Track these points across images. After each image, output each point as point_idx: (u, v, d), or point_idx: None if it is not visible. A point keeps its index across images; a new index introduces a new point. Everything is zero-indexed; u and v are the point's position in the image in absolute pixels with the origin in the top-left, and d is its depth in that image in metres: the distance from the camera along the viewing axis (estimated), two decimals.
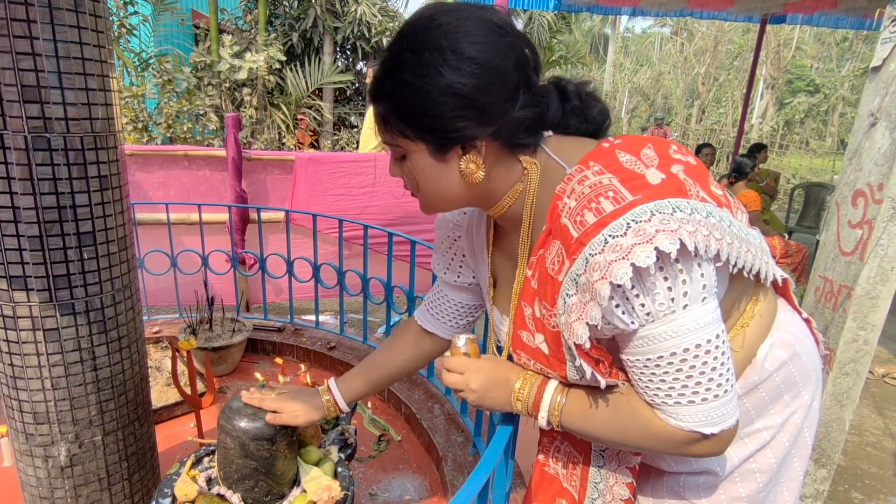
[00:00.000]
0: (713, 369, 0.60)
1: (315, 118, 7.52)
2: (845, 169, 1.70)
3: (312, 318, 2.29)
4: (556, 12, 10.97)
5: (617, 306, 0.59)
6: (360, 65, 8.44)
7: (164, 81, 6.19)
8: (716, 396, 0.61)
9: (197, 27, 8.24)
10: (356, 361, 2.04)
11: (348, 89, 8.58)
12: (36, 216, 0.93)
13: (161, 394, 1.76)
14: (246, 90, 6.49)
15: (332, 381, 1.04)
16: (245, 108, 6.56)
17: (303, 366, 2.03)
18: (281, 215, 3.11)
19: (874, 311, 1.61)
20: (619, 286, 0.57)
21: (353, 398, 1.04)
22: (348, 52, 8.40)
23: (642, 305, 0.58)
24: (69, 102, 0.93)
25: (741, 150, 6.84)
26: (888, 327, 4.27)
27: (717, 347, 0.60)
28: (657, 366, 0.61)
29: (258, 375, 1.87)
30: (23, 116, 0.89)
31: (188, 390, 1.46)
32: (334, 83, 7.51)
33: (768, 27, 11.82)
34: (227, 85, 6.42)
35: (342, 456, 1.20)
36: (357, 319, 3.51)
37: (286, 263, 2.10)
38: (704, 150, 6.08)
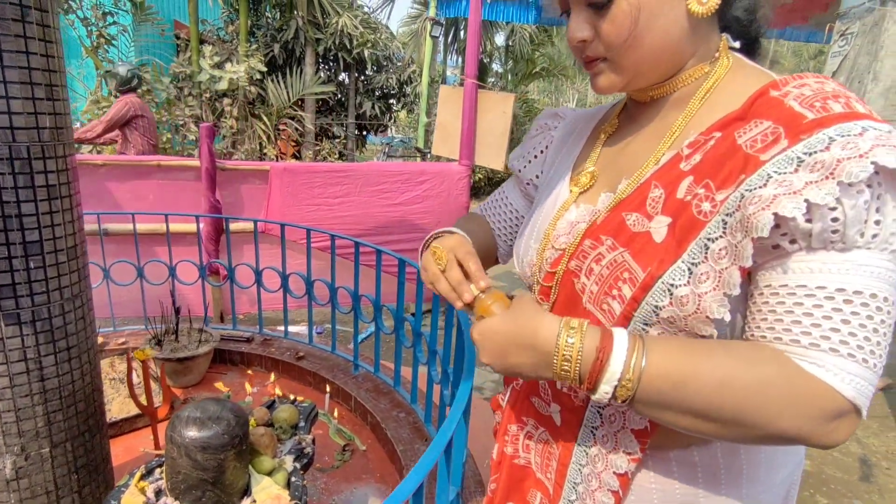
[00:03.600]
0: (889, 338, 0.51)
1: (297, 129, 7.52)
2: None
3: (292, 328, 2.28)
4: (536, 25, 11.13)
5: (865, 202, 0.49)
6: (342, 76, 8.48)
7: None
8: (879, 369, 0.50)
9: (178, 38, 8.22)
10: (325, 371, 2.03)
11: (330, 100, 8.61)
12: None
13: (123, 405, 1.74)
14: (227, 100, 6.49)
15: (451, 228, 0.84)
16: (226, 118, 6.56)
17: (272, 375, 2.02)
18: (251, 226, 3.10)
19: None
20: (877, 172, 0.48)
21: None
22: (330, 63, 8.44)
23: (877, 223, 0.49)
24: (14, 112, 0.93)
25: None
26: None
27: (890, 314, 0.50)
28: (847, 301, 0.49)
29: (220, 386, 1.86)
30: None
31: (152, 401, 1.44)
32: (316, 94, 7.54)
33: None
34: (208, 95, 6.41)
35: (297, 466, 1.19)
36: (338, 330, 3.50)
37: (255, 273, 2.09)
38: None
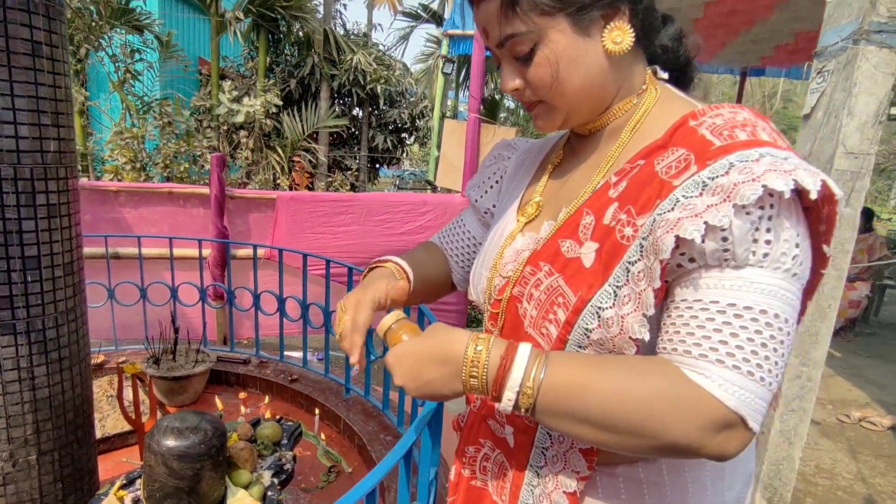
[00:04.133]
0: (782, 356, 0.52)
1: (310, 161, 7.72)
2: None
3: (293, 353, 2.33)
4: None
5: (751, 223, 0.51)
6: (355, 110, 8.73)
7: (164, 124, 6.41)
8: (769, 385, 0.51)
9: (201, 73, 8.58)
10: (318, 394, 2.06)
11: (344, 133, 8.85)
12: None
13: (118, 421, 1.78)
14: (243, 133, 6.71)
15: (388, 257, 0.87)
16: (242, 149, 6.76)
17: (267, 398, 2.05)
18: (261, 252, 3.19)
19: (815, 347, 1.65)
20: (771, 196, 0.51)
21: (414, 276, 0.85)
22: (345, 98, 8.71)
23: (767, 242, 0.52)
24: (21, 136, 1.01)
25: None
26: (868, 371, 4.27)
27: (790, 335, 0.53)
28: (737, 315, 0.51)
29: (217, 401, 1.90)
30: None
31: (139, 414, 1.48)
32: (330, 127, 7.76)
33: (753, 80, 12.21)
34: (226, 128, 6.64)
35: (275, 481, 1.22)
36: (336, 358, 3.53)
37: (252, 297, 2.15)
38: None
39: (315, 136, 8.09)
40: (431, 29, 12.17)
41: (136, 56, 6.54)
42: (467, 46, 6.10)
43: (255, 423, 1.43)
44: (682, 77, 0.74)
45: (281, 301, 2.13)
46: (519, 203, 0.81)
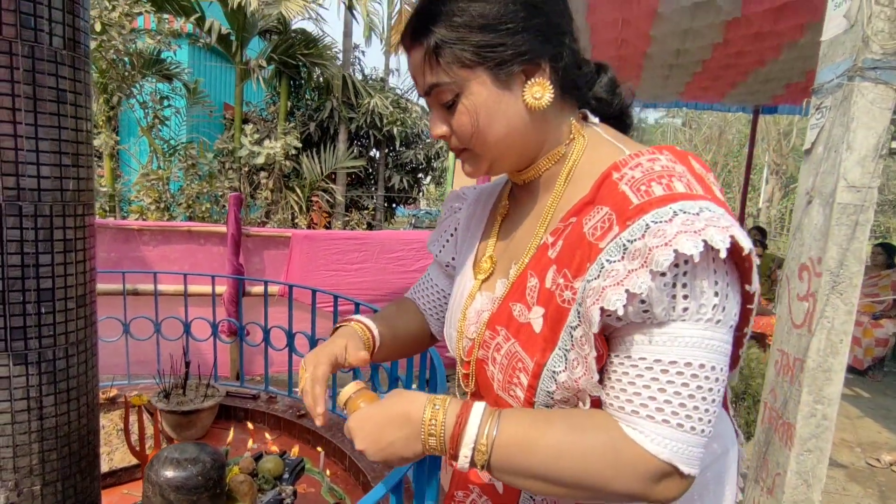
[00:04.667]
0: (712, 401, 0.55)
1: (328, 200, 7.89)
2: (791, 244, 1.77)
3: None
4: None
5: (665, 284, 0.53)
6: (372, 151, 8.96)
7: (188, 166, 6.66)
8: (701, 431, 0.55)
9: (225, 118, 8.93)
10: (325, 430, 2.06)
11: (361, 173, 9.05)
12: (1, 273, 1.05)
13: (126, 455, 1.80)
14: (263, 174, 6.92)
15: (356, 317, 0.88)
16: (262, 190, 6.96)
17: (269, 434, 2.05)
18: (274, 289, 3.24)
19: (828, 384, 1.61)
20: (685, 260, 0.52)
21: (382, 339, 0.86)
22: (362, 140, 8.96)
23: (685, 297, 0.54)
24: (43, 176, 1.08)
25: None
26: None
27: (719, 380, 0.55)
28: (664, 371, 0.54)
29: (231, 433, 1.90)
30: (0, 187, 1.04)
31: (144, 446, 1.50)
32: (347, 168, 7.96)
33: (768, 117, 12.25)
34: (247, 169, 6.86)
35: None
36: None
37: (263, 332, 2.19)
38: None
39: (333, 176, 8.30)
40: None
41: (165, 103, 6.87)
42: None
43: (258, 458, 1.44)
44: (619, 124, 0.76)
45: (290, 336, 2.15)
46: (474, 258, 0.82)
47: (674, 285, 0.54)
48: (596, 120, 0.72)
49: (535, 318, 0.64)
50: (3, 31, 1.01)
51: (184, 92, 7.47)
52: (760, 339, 4.40)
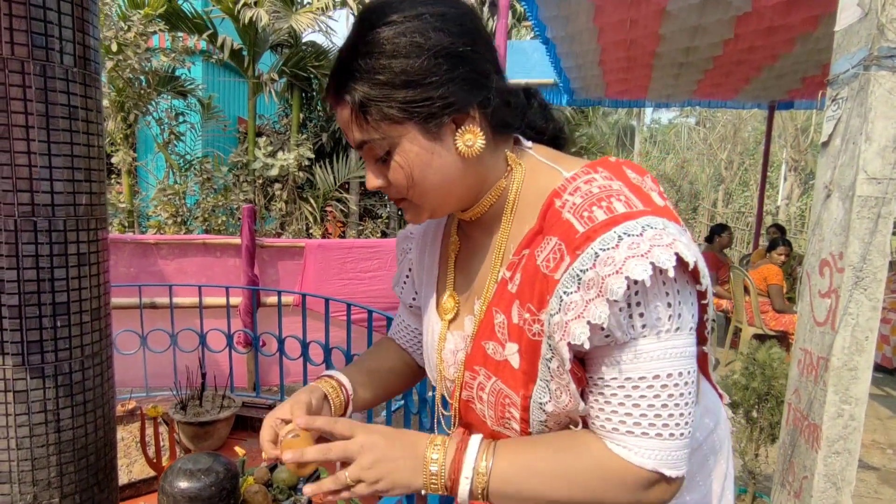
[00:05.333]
0: (686, 405, 0.58)
1: (342, 210, 7.94)
2: (811, 240, 1.73)
3: None
4: (572, 107, 11.57)
5: (621, 309, 0.55)
6: None
7: (203, 180, 6.75)
8: (681, 435, 0.58)
9: (239, 131, 9.06)
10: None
11: None
12: (17, 288, 1.07)
13: (145, 467, 1.81)
14: (277, 185, 6.99)
15: (332, 372, 0.87)
16: (276, 201, 7.03)
17: None
18: (288, 299, 3.26)
19: (854, 383, 1.56)
20: (635, 282, 0.54)
21: (353, 380, 0.86)
22: None
23: (641, 315, 0.56)
24: (56, 191, 1.09)
25: (762, 231, 6.80)
26: None
27: (688, 384, 0.58)
28: (635, 387, 0.57)
29: (239, 450, 1.91)
30: (15, 203, 1.05)
31: (160, 456, 1.51)
32: (360, 177, 8.00)
33: (785, 113, 12.04)
34: (261, 181, 6.93)
35: None
36: None
37: (277, 342, 2.19)
38: (725, 234, 5.94)
39: (346, 186, 8.35)
40: None
41: (180, 119, 6.99)
42: None
43: (273, 468, 1.44)
44: (555, 142, 0.76)
45: (304, 346, 2.16)
46: (436, 298, 0.81)
47: (629, 306, 0.56)
48: (529, 144, 0.72)
49: (511, 354, 0.65)
50: (15, 51, 1.03)
51: (198, 107, 7.60)
52: (783, 338, 4.30)
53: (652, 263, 0.53)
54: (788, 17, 3.42)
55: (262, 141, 6.84)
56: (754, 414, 2.36)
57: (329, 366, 2.13)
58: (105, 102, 6.20)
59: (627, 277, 0.53)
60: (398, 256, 0.94)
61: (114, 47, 5.58)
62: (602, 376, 0.59)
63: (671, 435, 0.57)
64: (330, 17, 7.44)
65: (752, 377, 2.32)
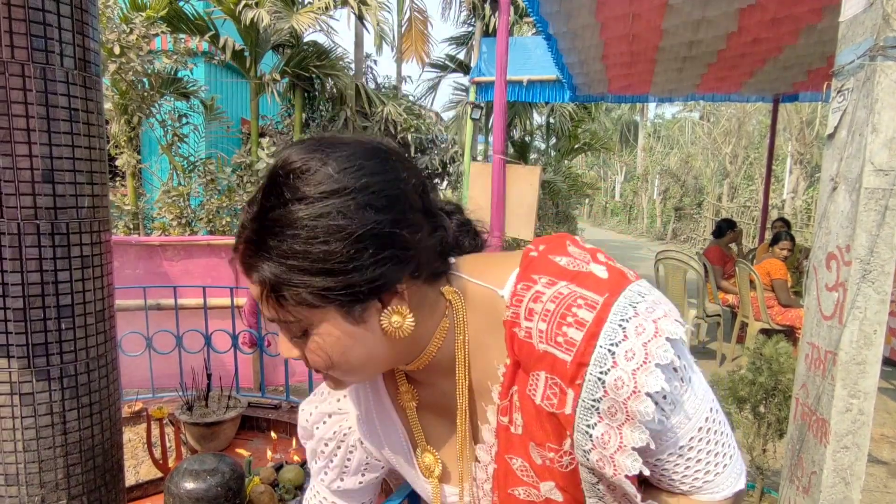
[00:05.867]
0: (727, 427, 0.60)
1: None
2: (817, 233, 1.71)
3: None
4: (575, 103, 11.52)
5: (655, 418, 0.54)
6: None
7: (207, 181, 6.77)
8: (734, 448, 0.61)
9: (241, 132, 9.08)
10: None
11: None
12: (22, 291, 1.07)
13: (152, 468, 1.82)
14: None
15: None
16: None
17: (294, 442, 2.05)
18: None
19: (863, 377, 1.54)
20: (657, 392, 0.53)
21: None
22: None
23: (664, 398, 0.55)
24: (58, 195, 1.10)
25: (768, 225, 6.75)
26: None
27: (719, 410, 0.60)
28: (690, 448, 0.57)
29: (242, 451, 1.91)
30: (17, 206, 1.06)
31: (166, 457, 1.51)
32: None
33: (790, 106, 11.97)
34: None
35: None
36: None
37: None
38: (734, 230, 5.85)
39: None
40: (459, 77, 12.58)
41: (184, 120, 7.01)
42: (493, 92, 6.26)
43: (279, 468, 1.44)
44: (482, 247, 0.72)
45: None
46: (412, 456, 0.74)
47: (657, 404, 0.55)
48: (452, 261, 0.66)
49: (550, 491, 0.62)
50: (15, 54, 1.03)
51: (201, 109, 7.61)
52: (789, 333, 4.28)
53: (657, 365, 0.52)
54: (793, 8, 3.39)
55: (265, 141, 6.85)
56: (762, 409, 2.34)
57: None
58: (108, 105, 6.22)
59: (648, 394, 0.52)
60: (326, 441, 0.79)
61: (116, 50, 5.59)
62: (660, 457, 0.58)
63: (731, 457, 0.60)
64: (331, 17, 7.44)
65: (759, 372, 2.31)
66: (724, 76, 5.29)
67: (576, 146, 12.99)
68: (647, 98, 6.51)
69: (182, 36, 6.92)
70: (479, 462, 0.68)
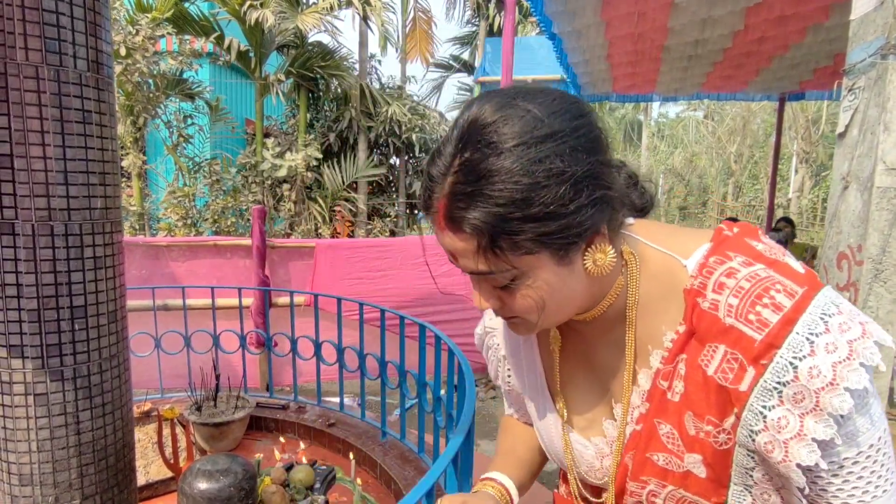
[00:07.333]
0: (892, 459, 0.57)
1: (350, 210, 7.96)
2: (827, 233, 1.70)
3: (332, 399, 2.35)
4: None
5: (853, 415, 0.53)
6: (392, 159, 9.01)
7: (212, 181, 6.79)
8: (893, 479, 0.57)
9: (246, 132, 9.11)
10: (354, 438, 2.05)
11: (382, 182, 9.11)
12: (36, 292, 1.08)
13: (163, 468, 1.82)
14: (286, 186, 7.02)
15: (493, 473, 0.84)
16: (285, 202, 7.05)
17: (302, 444, 2.06)
18: (300, 299, 3.27)
19: (877, 377, 1.53)
20: (857, 391, 0.51)
21: (513, 478, 0.83)
22: (381, 148, 9.02)
23: (860, 399, 0.53)
24: (72, 196, 1.10)
25: (773, 225, 6.73)
26: None
27: (889, 439, 0.57)
28: (855, 462, 0.55)
29: (255, 452, 1.92)
30: (32, 208, 1.06)
31: (178, 458, 1.52)
32: (368, 177, 8.02)
33: (796, 105, 11.91)
34: (269, 182, 6.96)
35: None
36: (375, 402, 3.53)
37: (290, 342, 2.20)
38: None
39: (354, 185, 8.37)
40: (463, 77, 12.58)
41: (189, 121, 7.04)
42: None
43: (289, 468, 1.44)
44: (645, 210, 0.72)
45: (317, 345, 2.16)
46: (549, 399, 0.76)
47: (852, 420, 0.54)
48: (631, 221, 0.66)
49: (693, 464, 0.61)
50: (29, 57, 1.04)
51: (206, 110, 7.64)
52: None
53: (862, 364, 0.50)
54: (800, 6, 3.37)
55: (269, 142, 6.88)
56: None
57: (342, 366, 2.13)
58: None
59: (847, 389, 0.50)
60: (483, 353, 0.87)
61: (122, 51, 5.62)
62: (820, 473, 0.56)
63: (893, 484, 0.56)
64: (335, 17, 7.45)
65: None
66: (730, 75, 5.27)
67: None
68: (651, 97, 6.50)
69: (187, 37, 6.94)
70: (614, 420, 0.69)
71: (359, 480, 1.84)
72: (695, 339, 0.58)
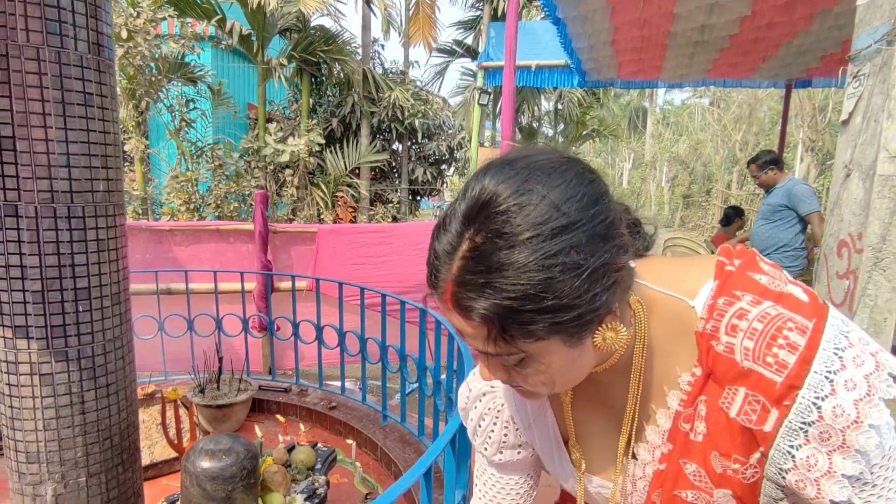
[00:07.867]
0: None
1: (353, 195, 7.95)
2: (829, 221, 1.70)
3: (333, 382, 2.37)
4: (584, 89, 11.40)
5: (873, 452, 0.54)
6: (395, 144, 8.98)
7: (215, 166, 6.79)
8: None
9: (249, 117, 9.07)
10: (356, 421, 2.08)
11: (384, 167, 9.09)
12: (40, 273, 1.09)
13: (166, 448, 1.85)
14: (288, 171, 7.01)
15: None
16: (287, 187, 7.05)
17: (302, 426, 2.08)
18: (302, 284, 3.29)
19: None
20: (879, 426, 0.52)
21: None
22: (384, 134, 8.98)
23: (880, 430, 0.54)
24: (74, 178, 1.11)
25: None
26: None
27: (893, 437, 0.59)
28: (871, 472, 0.56)
29: (257, 431, 1.95)
30: (34, 190, 1.07)
31: (181, 438, 1.54)
32: (371, 162, 8.00)
33: (802, 92, 11.78)
34: (272, 167, 6.95)
35: None
36: (376, 386, 3.56)
37: (292, 326, 2.22)
38: (742, 218, 5.82)
39: (357, 171, 8.35)
40: (467, 62, 12.47)
41: (191, 105, 7.01)
42: (501, 77, 6.21)
43: (291, 449, 1.46)
44: (647, 249, 0.71)
45: (319, 329, 2.18)
46: (564, 450, 0.76)
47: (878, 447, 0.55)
48: (632, 265, 0.64)
49: (724, 497, 0.62)
50: (30, 38, 1.04)
51: (208, 94, 7.61)
52: None
53: (881, 399, 0.52)
54: None
55: (272, 127, 6.85)
56: None
57: (344, 350, 2.15)
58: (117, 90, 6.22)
59: (871, 425, 0.51)
60: (482, 417, 0.81)
61: (123, 34, 5.58)
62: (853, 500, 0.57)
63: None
64: (338, 1, 7.37)
65: None
66: (737, 61, 5.21)
67: (584, 132, 12.89)
68: (657, 84, 6.43)
69: (189, 20, 6.89)
70: (636, 460, 0.70)
71: (359, 462, 1.87)
72: (712, 380, 0.59)
